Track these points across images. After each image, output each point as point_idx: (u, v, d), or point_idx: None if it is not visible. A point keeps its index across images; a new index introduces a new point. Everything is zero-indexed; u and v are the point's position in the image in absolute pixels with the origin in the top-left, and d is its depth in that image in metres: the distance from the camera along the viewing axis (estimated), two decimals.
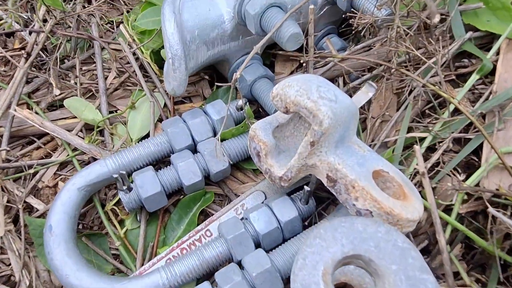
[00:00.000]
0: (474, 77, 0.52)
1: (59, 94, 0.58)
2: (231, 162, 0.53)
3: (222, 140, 0.54)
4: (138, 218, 0.53)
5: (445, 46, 0.54)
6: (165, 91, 0.61)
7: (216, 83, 0.54)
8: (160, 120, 0.60)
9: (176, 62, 0.49)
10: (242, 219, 0.49)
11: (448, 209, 0.50)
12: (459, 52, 0.58)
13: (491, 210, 0.40)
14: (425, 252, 0.51)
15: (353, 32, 0.60)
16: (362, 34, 0.56)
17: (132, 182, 0.50)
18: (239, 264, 0.45)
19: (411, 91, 0.55)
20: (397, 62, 0.56)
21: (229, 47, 0.57)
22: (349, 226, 0.34)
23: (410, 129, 0.55)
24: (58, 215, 0.46)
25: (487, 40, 0.58)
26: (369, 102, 0.60)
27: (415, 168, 0.51)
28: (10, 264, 0.49)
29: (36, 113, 0.56)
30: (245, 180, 0.56)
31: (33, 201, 0.52)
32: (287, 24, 0.48)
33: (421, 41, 0.54)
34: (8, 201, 0.50)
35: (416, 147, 0.44)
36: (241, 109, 0.56)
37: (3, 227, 0.48)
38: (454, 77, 0.57)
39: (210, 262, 0.45)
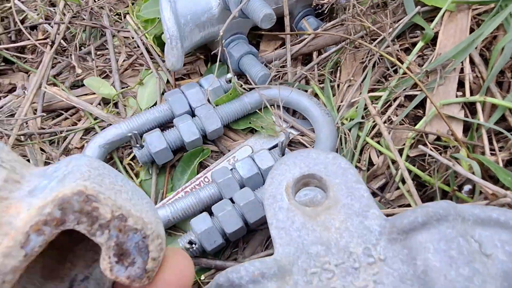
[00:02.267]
0: (420, 44, 0.63)
1: (80, 74, 0.70)
2: (223, 123, 0.65)
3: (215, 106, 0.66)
4: (150, 171, 0.65)
5: (396, 21, 0.65)
6: (167, 69, 0.73)
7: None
8: (164, 93, 0.71)
9: (173, 42, 0.60)
10: (232, 169, 0.61)
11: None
12: (414, 26, 0.69)
13: (421, 147, 0.51)
14: (382, 189, 0.62)
15: (323, 11, 0.71)
16: (331, 13, 0.66)
17: (143, 141, 0.62)
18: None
19: (370, 60, 0.66)
20: (359, 36, 0.67)
21: (218, 28, 0.68)
22: (306, 155, 0.46)
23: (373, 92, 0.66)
24: None
25: (436, 14, 0.68)
26: (340, 71, 0.71)
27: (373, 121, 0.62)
28: None
29: (63, 90, 0.68)
30: (236, 139, 0.68)
31: None
32: (260, 6, 0.59)
33: (378, 18, 0.65)
34: (47, 159, 0.62)
35: (365, 95, 0.55)
36: (230, 81, 0.67)
37: None
38: (408, 45, 0.67)
39: (205, 201, 0.57)
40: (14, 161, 0.23)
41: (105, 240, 0.20)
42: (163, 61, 0.74)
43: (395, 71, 0.65)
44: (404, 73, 0.61)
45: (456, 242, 0.37)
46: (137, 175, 0.64)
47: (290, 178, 0.44)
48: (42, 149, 0.63)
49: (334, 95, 0.69)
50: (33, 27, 0.82)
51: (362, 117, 0.63)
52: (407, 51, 0.69)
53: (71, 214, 0.19)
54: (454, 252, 0.37)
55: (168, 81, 0.73)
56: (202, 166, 0.66)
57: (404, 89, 0.62)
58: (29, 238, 0.19)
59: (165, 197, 0.62)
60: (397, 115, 0.62)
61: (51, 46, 0.69)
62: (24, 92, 0.68)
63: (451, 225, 0.38)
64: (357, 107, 0.64)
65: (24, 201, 0.21)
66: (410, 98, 0.64)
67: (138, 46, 0.74)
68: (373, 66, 0.66)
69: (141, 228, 0.21)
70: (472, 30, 0.63)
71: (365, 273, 0.40)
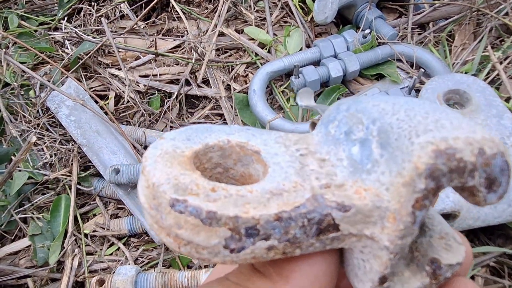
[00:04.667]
0: None
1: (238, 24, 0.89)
2: (360, 67, 0.81)
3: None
4: (295, 101, 0.82)
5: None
6: (308, 27, 0.90)
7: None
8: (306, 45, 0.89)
9: None
10: None
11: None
12: None
13: None
14: None
15: None
16: None
17: (300, 73, 0.79)
18: None
19: (486, 27, 0.80)
20: (478, 7, 0.82)
21: None
22: (452, 77, 0.61)
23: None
24: (257, 84, 0.77)
25: None
26: (454, 38, 0.86)
27: (487, 74, 0.76)
28: (224, 118, 0.80)
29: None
30: (364, 83, 0.84)
31: (234, 84, 0.83)
32: None
33: None
34: (223, 82, 0.81)
35: (488, 47, 0.69)
36: (365, 37, 0.84)
37: (224, 94, 0.79)
38: None
39: None
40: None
41: (477, 181, 0.18)
42: (305, 21, 0.92)
43: (508, 37, 0.79)
44: None
45: None
46: (287, 100, 0.82)
47: (441, 90, 0.60)
48: (216, 76, 0.83)
49: (450, 53, 0.84)
50: None
51: (477, 71, 0.78)
52: None
53: (442, 178, 0.17)
54: None
55: (308, 36, 0.91)
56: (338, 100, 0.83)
57: None
58: (415, 215, 0.18)
59: (309, 120, 0.79)
60: (505, 72, 0.77)
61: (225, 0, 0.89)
62: (201, 33, 0.88)
63: None
64: (472, 64, 0.79)
65: (362, 180, 0.19)
66: None
67: (286, 7, 0.92)
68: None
69: (498, 149, 0.18)
70: None
71: None
